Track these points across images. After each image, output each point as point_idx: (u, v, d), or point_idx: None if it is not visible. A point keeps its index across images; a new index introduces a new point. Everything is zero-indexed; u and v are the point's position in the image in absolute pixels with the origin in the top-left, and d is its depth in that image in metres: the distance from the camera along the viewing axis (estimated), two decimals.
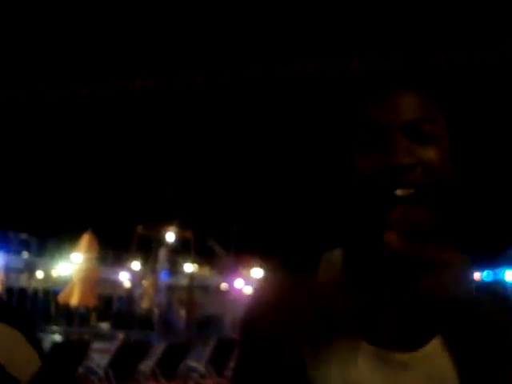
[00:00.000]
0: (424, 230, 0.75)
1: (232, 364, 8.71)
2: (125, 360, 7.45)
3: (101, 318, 23.10)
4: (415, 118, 0.80)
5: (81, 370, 7.21)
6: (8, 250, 28.25)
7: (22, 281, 29.38)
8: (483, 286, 0.83)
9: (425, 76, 0.86)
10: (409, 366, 0.77)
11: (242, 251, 30.01)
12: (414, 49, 10.28)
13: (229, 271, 28.83)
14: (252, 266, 31.75)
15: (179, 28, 12.29)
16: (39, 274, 29.58)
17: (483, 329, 0.78)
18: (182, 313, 28.97)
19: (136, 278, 30.18)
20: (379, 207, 0.76)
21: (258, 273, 32.00)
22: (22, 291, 29.26)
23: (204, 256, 33.80)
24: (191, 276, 30.81)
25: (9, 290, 23.43)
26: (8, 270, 20.72)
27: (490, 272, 31.17)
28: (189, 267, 31.65)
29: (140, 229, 31.50)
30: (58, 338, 13.34)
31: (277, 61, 11.09)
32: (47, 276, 28.15)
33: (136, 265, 31.87)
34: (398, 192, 0.76)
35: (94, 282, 13.95)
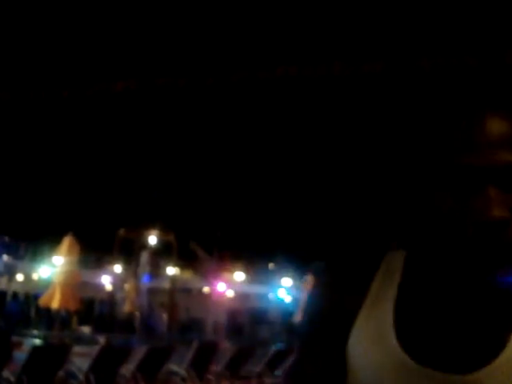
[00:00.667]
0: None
1: (213, 367, 8.70)
2: (106, 364, 7.41)
3: (82, 322, 22.91)
4: (506, 165, 0.70)
5: (61, 373, 7.15)
6: None
7: (2, 284, 29.06)
8: None
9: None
10: None
11: (225, 255, 30.00)
12: (397, 54, 10.37)
13: (211, 275, 28.77)
14: (234, 270, 31.73)
15: (163, 31, 12.27)
16: (19, 277, 29.29)
17: None
18: (164, 316, 28.85)
19: (118, 281, 30.00)
20: (459, 251, 0.71)
21: (240, 276, 31.99)
22: (2, 294, 28.94)
23: (186, 259, 33.70)
24: (173, 279, 30.70)
25: None
26: None
27: None
28: (171, 270, 31.53)
29: (122, 232, 31.33)
30: (38, 341, 13.21)
31: (260, 65, 11.13)
32: (28, 279, 27.89)
33: (118, 268, 31.69)
34: (477, 242, 0.69)
35: (75, 285, 13.84)
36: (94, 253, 32.20)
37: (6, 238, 31.13)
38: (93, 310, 30.71)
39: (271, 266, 31.08)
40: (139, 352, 8.34)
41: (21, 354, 7.47)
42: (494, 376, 0.70)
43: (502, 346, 0.71)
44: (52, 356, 7.08)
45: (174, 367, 8.39)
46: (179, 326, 28.00)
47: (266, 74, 10.82)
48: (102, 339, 16.01)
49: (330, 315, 0.79)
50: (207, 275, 30.18)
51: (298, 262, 25.66)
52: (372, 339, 0.75)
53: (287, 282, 27.56)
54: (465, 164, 0.70)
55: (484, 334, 0.73)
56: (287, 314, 21.86)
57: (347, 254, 0.84)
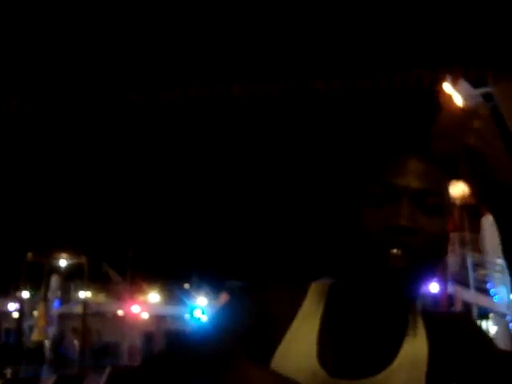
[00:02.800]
0: (401, 284, 0.86)
1: None
2: None
3: None
4: (424, 189, 0.87)
5: None
6: None
7: None
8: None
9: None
10: None
11: (138, 276, 29.47)
12: (293, 76, 10.73)
13: (125, 297, 28.16)
14: (148, 292, 31.19)
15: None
16: None
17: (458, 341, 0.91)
18: (76, 342, 27.89)
19: (26, 308, 28.76)
20: (376, 259, 0.85)
21: (154, 298, 31.48)
22: None
23: (99, 282, 32.81)
24: (85, 303, 29.78)
25: None
26: None
27: None
28: (82, 294, 30.58)
29: (30, 255, 30.11)
30: None
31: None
32: None
33: (26, 294, 30.36)
34: (393, 251, 0.84)
35: None
36: None
37: None
38: None
39: (186, 286, 30.82)
40: (47, 382, 8.03)
41: None
42: (391, 378, 0.87)
43: (395, 353, 0.89)
44: None
45: None
46: (92, 352, 27.14)
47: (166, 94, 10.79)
48: (8, 372, 15.27)
49: (257, 330, 0.90)
50: (121, 297, 29.51)
51: (213, 282, 25.63)
52: (295, 352, 0.89)
53: (202, 301, 27.43)
54: (388, 182, 0.88)
55: (381, 344, 0.89)
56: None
57: (279, 276, 0.98)
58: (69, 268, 31.05)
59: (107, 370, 8.58)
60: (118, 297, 30.32)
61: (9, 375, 13.19)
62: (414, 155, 0.90)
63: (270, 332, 0.91)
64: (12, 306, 29.27)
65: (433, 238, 0.86)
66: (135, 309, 27.72)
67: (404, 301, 0.90)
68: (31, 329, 23.97)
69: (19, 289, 30.37)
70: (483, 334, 0.95)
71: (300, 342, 0.90)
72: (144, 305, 28.81)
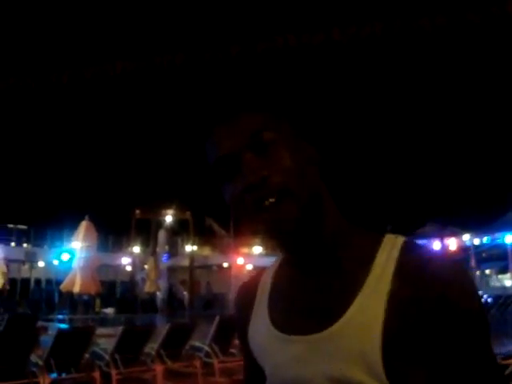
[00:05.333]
0: (289, 227, 0.88)
1: (235, 341, 8.82)
2: (130, 343, 7.53)
3: (105, 304, 23.25)
4: (251, 134, 0.90)
5: (87, 355, 7.29)
6: (8, 242, 28.36)
7: (24, 271, 29.50)
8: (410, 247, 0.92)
9: (255, 92, 0.96)
10: (314, 346, 0.90)
11: (241, 229, 30.08)
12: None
13: (229, 250, 28.92)
14: (252, 244, 31.88)
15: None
16: (40, 264, 29.72)
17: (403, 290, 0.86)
18: (185, 294, 29.13)
19: (137, 262, 30.28)
20: (255, 215, 0.89)
21: (258, 250, 32.16)
22: (25, 281, 29.41)
23: (204, 236, 33.92)
24: (192, 257, 30.93)
25: (12, 281, 23.56)
26: (9, 261, 20.78)
27: (489, 237, 31.28)
28: (189, 248, 31.76)
29: (138, 213, 31.52)
30: (63, 325, 13.46)
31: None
32: (48, 265, 28.28)
33: (136, 249, 31.97)
34: (266, 203, 0.87)
35: (94, 269, 13.99)
36: (112, 235, 32.54)
37: (25, 227, 31.51)
38: (115, 292, 31.13)
39: None
40: (162, 330, 8.46)
41: (47, 339, 7.63)
42: (339, 334, 0.87)
43: (344, 309, 0.88)
44: (77, 339, 7.21)
45: (196, 343, 8.49)
46: (201, 303, 28.30)
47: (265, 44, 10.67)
48: (125, 320, 16.29)
49: (238, 321, 1.09)
50: (225, 250, 30.35)
51: None
52: (257, 325, 1.01)
53: None
54: (219, 156, 0.91)
55: (328, 301, 0.91)
56: None
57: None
58: (175, 223, 32.27)
59: (216, 320, 8.88)
60: (223, 250, 31.23)
61: (126, 324, 14.06)
62: (219, 125, 0.93)
63: (245, 316, 1.05)
64: (125, 261, 30.93)
65: (287, 168, 0.88)
66: (240, 261, 28.44)
67: (325, 248, 0.92)
68: (143, 281, 25.25)
69: (130, 244, 32.01)
70: (457, 287, 0.85)
71: (259, 312, 1.02)
72: (248, 256, 29.49)
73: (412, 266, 0.87)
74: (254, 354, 1.02)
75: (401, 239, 0.93)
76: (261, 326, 0.99)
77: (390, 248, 0.91)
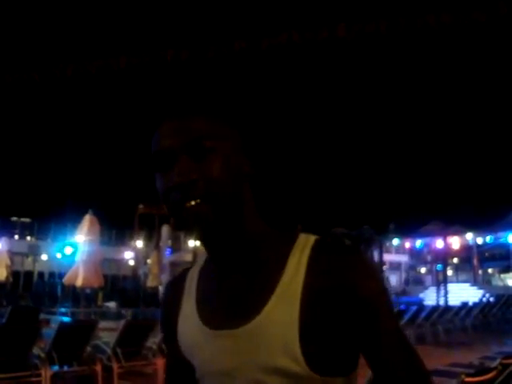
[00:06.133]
0: (203, 228, 0.96)
1: None
2: (132, 337, 7.54)
3: (107, 298, 23.32)
4: (194, 138, 0.96)
5: (89, 348, 7.31)
6: (12, 235, 28.45)
7: (27, 264, 29.60)
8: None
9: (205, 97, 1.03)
10: (241, 339, 0.97)
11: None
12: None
13: None
14: None
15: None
16: (43, 257, 29.81)
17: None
18: None
19: (140, 256, 30.34)
20: (174, 218, 0.96)
21: None
22: (28, 274, 29.52)
23: None
24: (195, 252, 30.96)
25: (15, 274, 23.63)
26: (13, 254, 20.84)
27: (492, 236, 31.23)
28: (192, 243, 31.78)
29: (141, 207, 31.54)
30: (65, 318, 13.50)
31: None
32: (51, 259, 28.35)
33: (139, 243, 32.02)
34: (187, 204, 0.94)
35: (97, 262, 14.01)
36: (115, 230, 32.61)
37: (28, 220, 31.60)
38: (117, 285, 31.20)
39: None
40: None
41: (49, 331, 7.65)
42: (262, 326, 0.95)
43: (264, 304, 0.96)
44: (79, 332, 7.23)
45: None
46: None
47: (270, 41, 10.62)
48: (128, 313, 16.32)
49: (165, 318, 1.15)
50: None
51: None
52: (186, 321, 1.07)
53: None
54: (159, 149, 0.98)
55: (251, 299, 0.98)
56: None
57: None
58: None
59: None
60: None
61: (129, 317, 14.10)
62: (169, 119, 1.00)
63: (173, 313, 1.12)
64: (128, 255, 30.99)
65: (215, 178, 0.94)
66: None
67: (245, 247, 1.00)
68: (146, 275, 25.30)
69: (133, 239, 32.07)
70: (356, 274, 0.95)
71: (187, 308, 1.08)
72: None
73: (321, 261, 0.96)
74: (181, 349, 1.09)
75: (312, 238, 1.01)
76: (189, 322, 1.07)
77: (303, 247, 0.99)
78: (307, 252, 0.98)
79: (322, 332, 0.94)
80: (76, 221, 15.42)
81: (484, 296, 26.04)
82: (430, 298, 29.79)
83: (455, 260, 38.80)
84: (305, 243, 1.00)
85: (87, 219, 14.04)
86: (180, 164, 0.95)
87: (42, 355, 6.80)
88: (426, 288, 35.27)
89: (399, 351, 0.93)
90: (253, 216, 1.03)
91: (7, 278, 19.04)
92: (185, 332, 1.08)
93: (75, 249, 14.70)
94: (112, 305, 21.35)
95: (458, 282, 35.80)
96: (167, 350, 1.18)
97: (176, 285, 1.15)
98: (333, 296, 0.94)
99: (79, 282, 13.44)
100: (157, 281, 23.61)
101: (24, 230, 30.93)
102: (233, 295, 1.01)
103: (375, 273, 0.97)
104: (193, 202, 0.94)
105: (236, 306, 1.00)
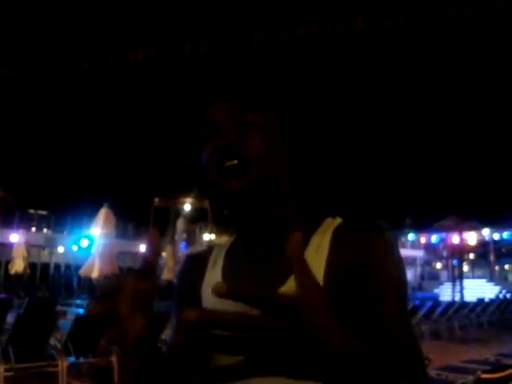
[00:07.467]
0: (243, 197, 0.98)
1: None
2: (147, 330, 7.59)
3: None
4: (235, 110, 1.02)
5: (103, 341, 7.39)
6: (29, 227, 28.72)
7: (44, 256, 29.88)
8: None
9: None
10: None
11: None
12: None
13: None
14: None
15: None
16: (60, 250, 30.08)
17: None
18: None
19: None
20: (217, 179, 0.99)
21: None
22: (45, 266, 29.81)
23: (222, 225, 34.05)
24: (209, 245, 31.03)
25: (32, 266, 23.88)
26: (30, 246, 21.05)
27: (509, 232, 30.93)
28: (207, 236, 31.93)
29: (157, 201, 31.72)
30: (81, 310, 13.62)
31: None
32: (67, 251, 28.60)
33: None
34: (226, 164, 0.97)
35: (113, 255, 14.11)
36: (131, 223, 32.80)
37: (45, 213, 31.88)
38: None
39: None
40: None
41: (66, 323, 7.73)
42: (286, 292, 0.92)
43: (285, 280, 0.96)
44: (95, 324, 7.30)
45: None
46: None
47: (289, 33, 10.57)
48: None
49: (186, 286, 1.16)
50: None
51: None
52: (210, 290, 0.96)
53: None
54: (207, 120, 1.04)
55: (275, 274, 0.98)
56: None
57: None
58: (193, 212, 32.44)
59: None
60: None
61: None
62: (218, 101, 1.06)
63: (194, 283, 1.13)
64: (143, 248, 31.13)
65: (256, 149, 0.98)
66: None
67: (276, 217, 1.03)
68: (161, 269, 25.43)
69: (148, 232, 32.23)
70: (374, 251, 0.96)
71: (212, 279, 1.09)
72: None
73: (344, 237, 0.99)
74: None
75: (338, 220, 1.04)
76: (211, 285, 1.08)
77: (328, 227, 1.02)
78: (331, 230, 1.01)
79: (342, 308, 0.92)
80: (92, 214, 15.53)
81: (500, 292, 25.85)
82: (445, 293, 29.65)
83: (471, 256, 38.55)
84: (330, 224, 1.03)
85: (103, 212, 14.14)
86: (223, 128, 1.00)
87: (59, 346, 6.88)
88: (441, 283, 35.11)
89: (398, 336, 0.91)
90: (288, 197, 1.06)
91: (25, 269, 19.23)
92: (209, 299, 1.08)
93: (91, 241, 14.81)
94: None
95: (473, 277, 35.57)
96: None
97: (199, 257, 1.18)
98: (351, 272, 0.95)
99: (95, 274, 13.55)
100: (172, 274, 23.73)
101: (41, 223, 31.21)
102: (258, 271, 1.03)
103: (394, 252, 0.98)
104: (230, 162, 0.97)
105: (261, 280, 1.01)
